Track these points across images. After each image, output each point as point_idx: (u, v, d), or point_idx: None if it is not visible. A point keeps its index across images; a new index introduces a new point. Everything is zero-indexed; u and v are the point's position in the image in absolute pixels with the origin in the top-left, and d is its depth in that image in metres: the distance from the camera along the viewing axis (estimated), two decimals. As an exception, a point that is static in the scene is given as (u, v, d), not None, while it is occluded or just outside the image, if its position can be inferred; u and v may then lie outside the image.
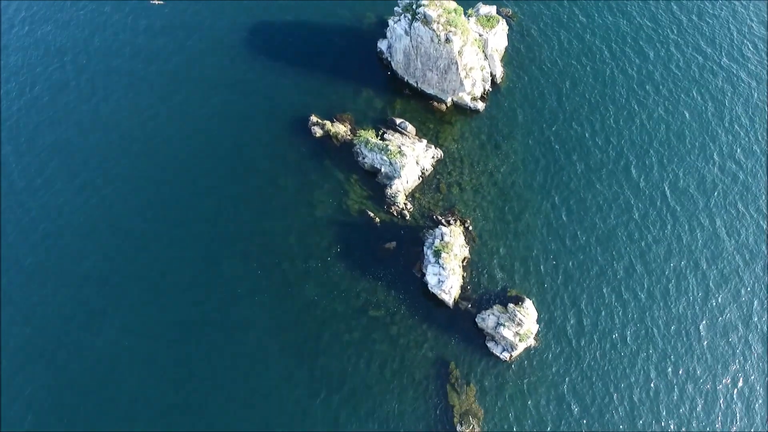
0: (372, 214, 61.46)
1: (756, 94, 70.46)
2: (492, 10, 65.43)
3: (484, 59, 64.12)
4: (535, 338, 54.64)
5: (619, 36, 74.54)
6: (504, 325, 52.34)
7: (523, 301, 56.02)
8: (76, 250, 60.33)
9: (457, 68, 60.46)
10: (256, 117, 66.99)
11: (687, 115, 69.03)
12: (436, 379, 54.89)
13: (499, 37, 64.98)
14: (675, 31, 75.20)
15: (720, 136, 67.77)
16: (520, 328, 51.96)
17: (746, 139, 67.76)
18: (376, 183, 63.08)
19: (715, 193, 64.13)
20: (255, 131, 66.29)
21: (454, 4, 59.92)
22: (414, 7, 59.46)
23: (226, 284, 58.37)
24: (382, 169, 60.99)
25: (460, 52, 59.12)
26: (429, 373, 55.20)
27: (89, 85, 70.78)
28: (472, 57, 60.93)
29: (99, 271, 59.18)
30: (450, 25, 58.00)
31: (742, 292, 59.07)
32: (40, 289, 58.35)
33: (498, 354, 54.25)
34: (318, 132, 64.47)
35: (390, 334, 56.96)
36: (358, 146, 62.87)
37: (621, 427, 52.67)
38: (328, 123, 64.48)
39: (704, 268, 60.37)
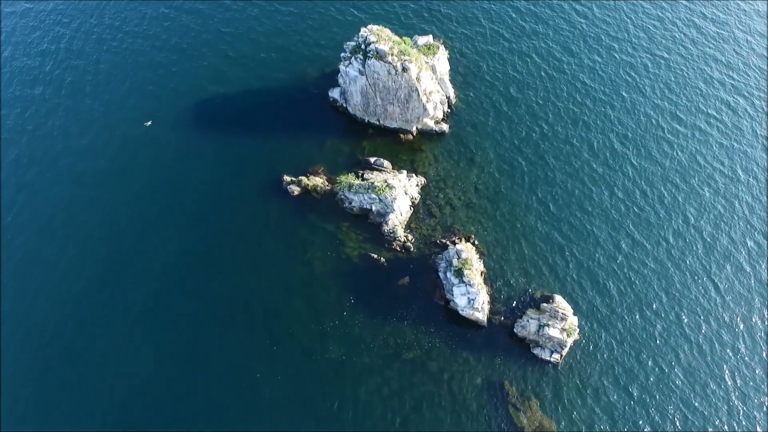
0: (375, 256, 58.86)
1: (664, 65, 77.68)
2: (429, 39, 68.02)
3: (437, 83, 65.75)
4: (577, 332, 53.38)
5: (542, 40, 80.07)
6: (548, 325, 50.66)
7: (552, 298, 54.97)
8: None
9: (418, 94, 61.35)
10: (229, 189, 63.42)
11: (624, 94, 74.38)
12: (494, 404, 51.51)
13: (442, 62, 67.34)
14: (583, 26, 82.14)
15: (658, 105, 73.33)
16: (564, 323, 50.51)
17: (685, 103, 73.81)
18: (369, 225, 60.94)
19: (674, 153, 68.45)
20: (231, 203, 62.52)
21: (397, 37, 61.59)
22: (363, 46, 60.34)
23: (240, 371, 52.32)
24: (373, 208, 59.17)
25: (418, 78, 60.23)
26: (485, 401, 51.76)
27: (62, 173, 64.24)
28: (429, 82, 62.29)
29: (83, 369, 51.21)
30: (404, 54, 59.27)
31: (735, 237, 62.08)
32: None
33: (548, 358, 52.17)
34: (295, 190, 61.94)
35: (431, 372, 53.30)
36: (340, 193, 60.91)
37: (685, 391, 51.69)
38: (303, 178, 62.29)
39: (692, 221, 63.04)
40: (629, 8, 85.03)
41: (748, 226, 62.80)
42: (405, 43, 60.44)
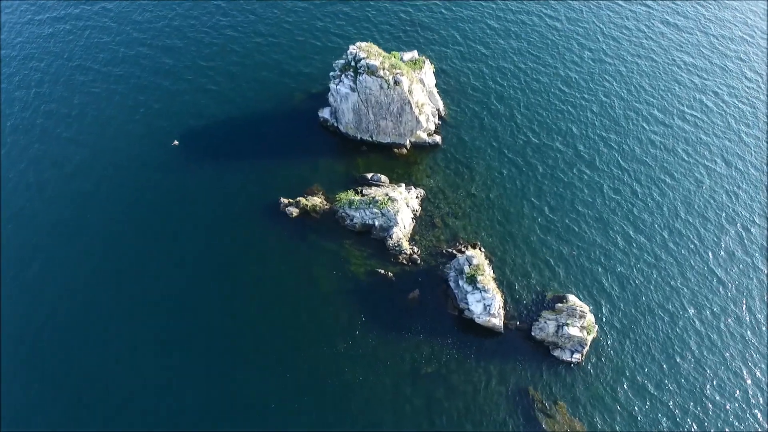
0: (382, 271, 57.56)
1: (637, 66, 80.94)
2: (414, 54, 68.88)
3: (427, 96, 66.28)
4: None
5: (518, 53, 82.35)
6: (567, 324, 50.09)
7: (566, 298, 54.64)
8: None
9: (411, 107, 61.56)
10: (226, 218, 61.34)
11: (603, 98, 76.78)
12: (521, 411, 50.13)
13: (429, 75, 68.11)
14: (555, 37, 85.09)
15: (636, 106, 75.92)
16: (583, 320, 50.07)
17: (660, 102, 76.65)
18: (372, 240, 59.80)
19: (657, 150, 70.61)
20: (229, 231, 60.40)
21: (386, 53, 62.09)
22: (353, 63, 60.46)
23: (252, 402, 49.44)
24: (376, 223, 58.19)
25: (410, 91, 60.54)
26: (512, 409, 50.34)
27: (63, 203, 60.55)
28: (420, 94, 62.70)
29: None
30: (395, 68, 59.61)
31: (736, 218, 63.79)
32: None
33: (569, 358, 51.42)
34: (294, 212, 60.48)
35: (453, 385, 51.68)
36: (341, 211, 59.79)
37: (699, 380, 51.81)
38: (301, 199, 60.97)
39: (682, 215, 64.53)
40: (596, 17, 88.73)
41: (736, 214, 64.67)
42: (395, 57, 60.87)
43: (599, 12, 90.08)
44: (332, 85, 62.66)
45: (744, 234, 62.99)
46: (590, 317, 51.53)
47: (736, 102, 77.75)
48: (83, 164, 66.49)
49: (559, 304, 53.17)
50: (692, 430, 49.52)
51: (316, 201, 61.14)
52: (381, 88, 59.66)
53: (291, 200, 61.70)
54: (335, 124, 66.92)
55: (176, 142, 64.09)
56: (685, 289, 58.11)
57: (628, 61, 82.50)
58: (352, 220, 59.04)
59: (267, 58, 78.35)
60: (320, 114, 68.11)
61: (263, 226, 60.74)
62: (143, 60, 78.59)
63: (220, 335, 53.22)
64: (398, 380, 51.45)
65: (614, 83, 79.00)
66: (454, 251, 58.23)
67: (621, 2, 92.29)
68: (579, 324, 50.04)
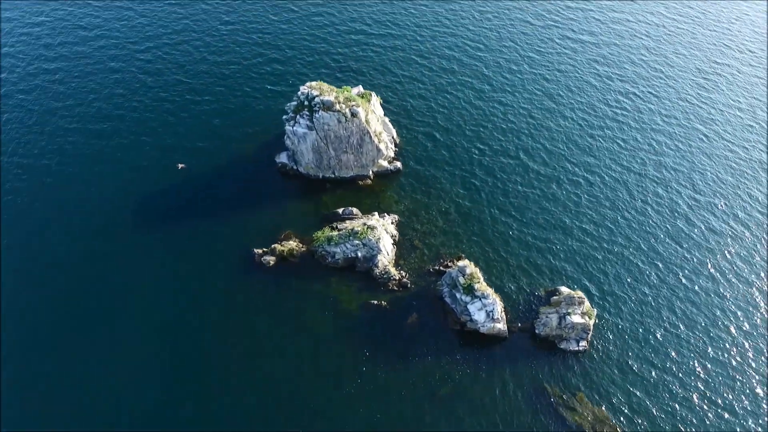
0: (375, 302, 56.29)
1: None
2: (360, 89, 70.26)
3: (382, 125, 67.46)
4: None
5: (453, 75, 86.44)
6: (569, 314, 51.05)
7: (558, 291, 55.90)
8: None
9: (370, 137, 62.29)
10: (200, 280, 57.66)
11: (540, 103, 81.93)
12: (543, 410, 49.83)
13: (377, 107, 69.60)
14: (484, 57, 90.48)
15: (572, 105, 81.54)
16: (582, 306, 51.25)
17: (590, 100, 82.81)
18: (358, 273, 58.59)
19: (597, 142, 75.82)
20: (206, 294, 56.68)
21: (336, 88, 62.95)
22: (307, 102, 60.59)
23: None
24: (359, 255, 57.24)
25: (367, 121, 61.36)
26: (534, 410, 49.95)
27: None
28: (376, 123, 63.70)
29: None
30: (350, 101, 60.35)
31: (700, 186, 68.99)
32: None
33: (576, 348, 52.23)
34: (271, 260, 58.25)
35: (472, 400, 50.65)
36: (320, 250, 58.37)
37: (699, 345, 54.43)
38: (276, 246, 58.94)
39: (636, 194, 69.04)
40: (514, 37, 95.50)
41: (676, 189, 70.24)
42: (348, 91, 61.75)
43: (515, 33, 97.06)
44: (288, 128, 62.22)
45: (696, 204, 68.20)
46: (587, 303, 52.85)
47: (651, 91, 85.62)
48: (31, 240, 60.67)
49: (554, 297, 54.24)
50: (699, 387, 51.38)
51: (292, 245, 59.36)
52: (339, 122, 60.03)
53: (265, 249, 59.46)
54: (294, 167, 66.11)
55: (182, 166, 60.98)
56: (659, 263, 61.48)
57: (552, 69, 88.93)
58: (333, 256, 57.68)
59: (210, 118, 76.17)
60: (277, 159, 67.15)
61: (242, 282, 57.80)
62: (71, 137, 73.67)
63: (220, 408, 48.95)
64: (417, 408, 49.63)
65: (547, 88, 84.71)
66: (442, 268, 58.23)
67: (537, 23, 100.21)
68: (580, 311, 51.14)
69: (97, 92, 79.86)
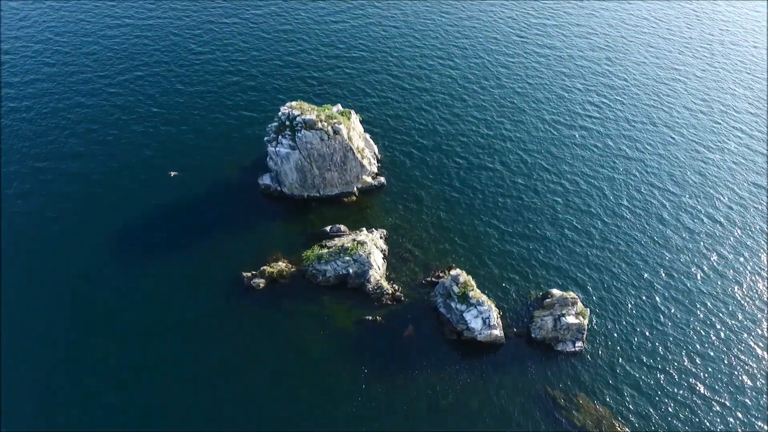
0: (370, 318, 55.73)
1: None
2: (338, 107, 70.77)
3: (364, 141, 67.93)
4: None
5: (427, 93, 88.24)
6: (564, 315, 51.52)
7: (549, 293, 56.47)
8: None
9: (354, 153, 62.59)
10: (191, 309, 56.02)
11: (513, 116, 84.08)
12: (546, 415, 49.78)
13: (357, 124, 70.14)
14: (454, 74, 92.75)
15: (543, 117, 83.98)
16: (575, 307, 51.83)
17: (561, 110, 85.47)
18: (350, 290, 58.04)
19: (571, 150, 78.02)
20: (202, 323, 55.02)
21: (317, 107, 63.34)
22: (288, 122, 60.66)
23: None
24: (350, 271, 56.81)
25: (350, 138, 61.73)
26: (536, 416, 49.85)
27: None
28: (358, 140, 64.11)
29: None
30: (331, 118, 60.70)
31: (673, 172, 71.25)
32: None
33: (573, 349, 52.63)
34: (260, 283, 57.24)
35: (474, 409, 50.29)
36: (310, 269, 57.72)
37: (690, 335, 55.73)
38: (265, 267, 58.02)
39: (611, 198, 71.07)
40: (483, 53, 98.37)
41: (657, 179, 72.70)
42: (328, 109, 62.17)
43: (485, 49, 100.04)
44: (270, 149, 61.99)
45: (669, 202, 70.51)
46: (580, 303, 53.51)
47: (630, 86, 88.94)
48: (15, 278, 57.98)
49: (547, 300, 54.75)
50: (705, 374, 52.30)
51: (281, 266, 58.53)
52: (321, 140, 60.20)
53: (254, 272, 58.44)
54: (279, 188, 65.69)
55: (174, 173, 58.99)
56: (641, 261, 63.02)
57: (522, 83, 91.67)
58: (324, 274, 57.07)
59: (183, 150, 74.99)
60: (260, 182, 66.63)
61: (233, 307, 56.46)
62: (42, 176, 71.14)
63: (219, 434, 47.21)
64: (420, 422, 48.91)
65: (518, 102, 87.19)
66: (434, 278, 58.23)
67: (504, 39, 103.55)
68: (573, 311, 51.68)
69: (68, 128, 78.00)
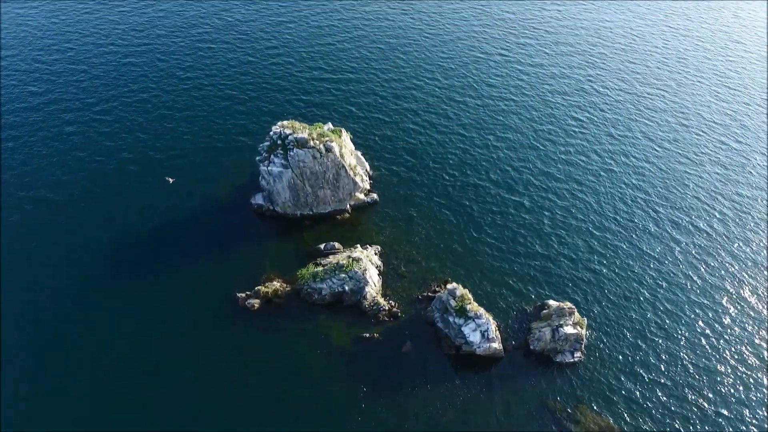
0: (367, 335, 55.20)
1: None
2: (329, 125, 71.24)
3: (355, 158, 68.27)
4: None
5: (413, 112, 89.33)
6: (562, 325, 51.56)
7: (546, 304, 56.61)
8: None
9: (346, 171, 62.80)
10: (185, 332, 54.99)
11: (500, 133, 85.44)
12: (548, 426, 49.33)
13: (348, 142, 70.53)
14: (438, 91, 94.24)
15: (529, 133, 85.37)
16: (573, 316, 51.96)
17: (547, 126, 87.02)
18: (346, 308, 57.55)
19: (558, 163, 79.32)
20: (197, 346, 53.97)
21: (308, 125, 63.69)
22: (280, 141, 60.80)
23: None
24: (346, 288, 56.42)
25: (342, 155, 62.00)
26: (539, 426, 49.43)
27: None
28: (350, 157, 64.40)
29: None
30: (323, 136, 61.01)
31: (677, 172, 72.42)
32: None
33: (572, 360, 52.54)
34: (255, 303, 56.52)
35: (475, 424, 49.82)
36: (305, 287, 57.19)
37: (688, 346, 55.99)
38: (260, 287, 57.37)
39: (597, 205, 72.11)
40: (468, 70, 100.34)
41: (650, 186, 73.97)
42: (320, 127, 62.51)
43: (469, 65, 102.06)
44: (262, 168, 61.92)
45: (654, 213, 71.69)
46: (577, 313, 53.65)
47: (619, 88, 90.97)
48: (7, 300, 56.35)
49: (544, 311, 54.82)
50: (705, 383, 52.46)
51: (276, 285, 57.93)
52: (314, 158, 60.37)
53: (249, 292, 57.71)
54: (271, 207, 65.44)
55: (171, 180, 58.73)
56: (630, 272, 63.67)
57: (504, 99, 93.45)
58: (320, 293, 56.56)
59: (175, 173, 74.33)
60: (253, 201, 66.35)
61: (227, 329, 55.52)
62: (27, 205, 69.92)
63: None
64: (423, 440, 48.03)
65: (502, 119, 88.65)
66: (430, 293, 58.05)
67: (486, 56, 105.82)
68: (571, 321, 51.76)
69: (54, 156, 77.12)
